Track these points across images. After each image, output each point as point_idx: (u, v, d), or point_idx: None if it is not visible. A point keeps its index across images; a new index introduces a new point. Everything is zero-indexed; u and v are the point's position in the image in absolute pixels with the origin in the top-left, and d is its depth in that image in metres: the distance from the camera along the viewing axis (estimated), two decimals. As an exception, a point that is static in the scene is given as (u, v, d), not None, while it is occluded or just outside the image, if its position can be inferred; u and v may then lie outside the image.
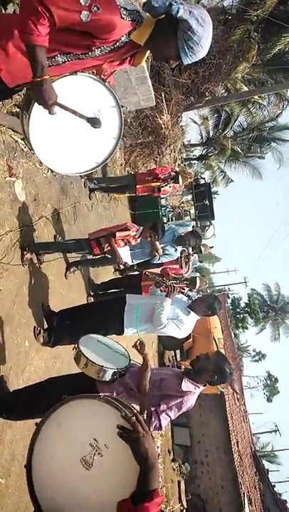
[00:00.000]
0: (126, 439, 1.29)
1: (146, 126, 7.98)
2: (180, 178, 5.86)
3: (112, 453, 1.34)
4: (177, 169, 6.16)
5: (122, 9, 1.66)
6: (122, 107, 2.27)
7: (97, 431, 1.39)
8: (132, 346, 2.85)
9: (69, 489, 1.37)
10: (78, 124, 1.92)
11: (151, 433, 2.54)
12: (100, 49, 1.79)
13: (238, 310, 33.89)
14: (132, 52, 1.89)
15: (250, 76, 13.16)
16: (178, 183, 5.86)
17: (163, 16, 1.70)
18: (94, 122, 1.92)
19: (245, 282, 34.57)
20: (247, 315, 33.40)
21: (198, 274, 5.96)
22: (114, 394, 2.59)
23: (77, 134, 1.97)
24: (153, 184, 5.76)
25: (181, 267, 5.34)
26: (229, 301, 30.71)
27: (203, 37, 1.69)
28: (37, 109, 1.83)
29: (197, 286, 4.88)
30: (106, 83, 1.99)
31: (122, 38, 1.76)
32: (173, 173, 5.80)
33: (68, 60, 1.80)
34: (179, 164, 9.75)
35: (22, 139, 3.69)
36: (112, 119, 2.11)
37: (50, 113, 1.77)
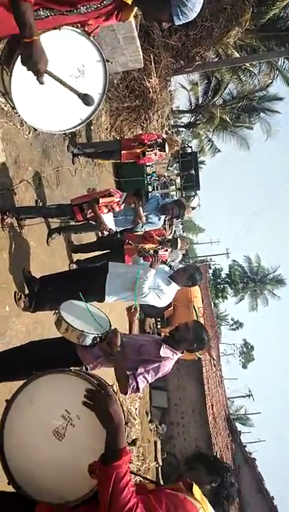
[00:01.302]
0: (90, 407, 1.33)
1: (134, 89, 7.70)
2: (166, 145, 5.75)
3: (84, 422, 1.38)
4: (164, 136, 6.01)
5: None
6: (108, 61, 2.19)
7: (68, 403, 1.42)
8: (126, 308, 2.93)
9: (42, 460, 1.42)
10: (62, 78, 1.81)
11: (129, 394, 2.64)
12: (85, 7, 1.66)
13: (218, 280, 34.47)
14: (119, 9, 1.77)
15: (243, 42, 12.73)
16: (164, 151, 5.75)
17: None
18: (86, 99, 1.79)
19: (227, 254, 35.02)
20: (227, 285, 34.06)
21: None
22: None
23: (61, 90, 1.85)
24: (138, 150, 5.63)
25: (165, 230, 5.38)
26: (211, 271, 31.16)
27: (197, 1, 1.60)
28: (20, 67, 1.66)
29: (178, 247, 4.93)
30: (91, 37, 1.89)
31: None
32: (160, 140, 5.67)
33: (51, 15, 1.69)
34: (166, 131, 9.52)
35: (2, 95, 3.52)
36: (96, 74, 2.04)
37: (38, 81, 1.60)
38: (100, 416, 1.32)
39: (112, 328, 2.69)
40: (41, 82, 1.61)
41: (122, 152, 5.67)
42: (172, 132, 7.90)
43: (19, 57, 1.61)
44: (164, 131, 9.28)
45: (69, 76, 1.94)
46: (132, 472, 1.80)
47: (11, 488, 1.50)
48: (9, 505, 1.53)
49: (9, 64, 1.85)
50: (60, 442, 1.41)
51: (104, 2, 1.67)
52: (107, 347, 2.67)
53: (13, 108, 2.04)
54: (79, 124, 2.19)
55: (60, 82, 1.72)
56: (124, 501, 1.23)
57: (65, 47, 1.85)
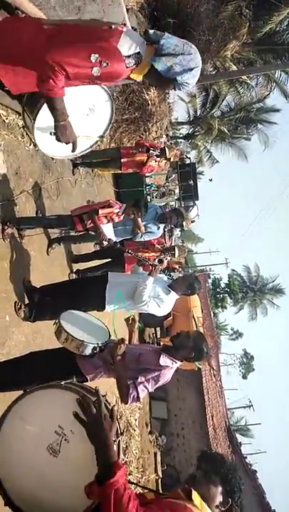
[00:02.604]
0: (80, 422, 1.30)
1: (133, 101, 7.81)
2: (167, 150, 5.81)
3: (79, 437, 1.35)
4: (164, 141, 6.11)
5: (126, 58, 1.87)
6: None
7: (61, 418, 1.39)
8: (124, 319, 2.94)
9: (38, 478, 1.40)
10: (74, 117, 2.20)
11: (130, 404, 2.63)
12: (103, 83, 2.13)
13: (218, 290, 34.44)
14: None
15: (240, 55, 12.96)
16: (165, 155, 5.81)
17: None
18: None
19: (226, 263, 35.05)
20: (226, 295, 34.01)
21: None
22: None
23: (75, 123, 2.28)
24: (138, 158, 5.68)
25: (165, 241, 5.42)
26: (210, 281, 31.15)
27: (195, 80, 2.03)
28: (42, 117, 2.27)
29: (176, 255, 4.96)
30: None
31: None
32: (159, 148, 5.75)
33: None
34: (164, 142, 9.64)
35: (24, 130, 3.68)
36: (104, 110, 2.61)
37: (74, 150, 2.15)
38: (88, 432, 1.29)
39: (111, 338, 2.71)
40: (75, 151, 2.19)
41: (123, 161, 5.72)
42: (171, 143, 7.98)
43: (42, 107, 2.21)
44: (162, 140, 9.39)
45: (82, 114, 2.50)
46: (130, 482, 1.79)
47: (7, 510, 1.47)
48: None
49: (30, 107, 2.38)
50: (55, 459, 1.38)
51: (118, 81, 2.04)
52: (106, 357, 2.68)
53: (35, 145, 2.71)
54: (88, 148, 2.76)
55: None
56: None
57: (79, 93, 2.20)
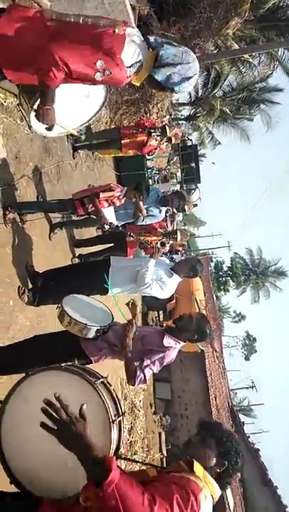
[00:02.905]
0: (49, 432, 1.24)
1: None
2: (167, 128, 5.73)
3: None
4: (164, 121, 6.00)
5: (128, 68, 1.94)
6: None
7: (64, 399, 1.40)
8: (126, 304, 2.97)
9: (41, 458, 1.43)
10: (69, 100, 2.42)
11: (137, 385, 2.67)
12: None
13: (220, 273, 34.50)
14: None
15: (242, 33, 12.62)
16: (165, 134, 5.72)
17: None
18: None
19: (229, 246, 34.97)
20: (229, 278, 34.10)
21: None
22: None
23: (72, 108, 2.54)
24: (139, 138, 5.60)
25: (167, 225, 5.40)
26: (212, 264, 31.19)
27: (192, 87, 2.17)
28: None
29: (179, 239, 4.94)
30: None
31: None
32: (160, 126, 5.66)
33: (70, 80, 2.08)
34: (166, 122, 9.50)
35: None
36: (98, 96, 2.77)
37: (48, 130, 2.23)
38: (60, 441, 1.22)
39: (114, 320, 2.73)
40: (49, 129, 2.20)
41: (123, 142, 5.62)
42: (172, 125, 7.82)
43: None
44: (165, 119, 9.23)
45: (78, 101, 2.60)
46: (134, 460, 1.83)
47: (11, 489, 1.51)
48: (10, 505, 1.53)
49: (28, 93, 2.53)
50: (55, 440, 1.39)
51: None
52: (110, 339, 2.71)
53: (30, 127, 2.93)
54: (79, 126, 2.97)
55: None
56: (141, 504, 1.17)
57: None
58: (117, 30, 1.92)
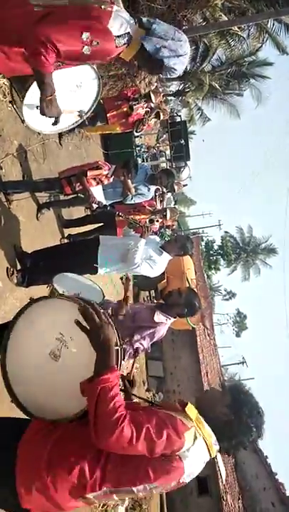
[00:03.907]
0: (81, 328, 1.35)
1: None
2: (152, 95, 5.60)
3: (77, 344, 1.44)
4: (150, 88, 5.83)
5: (116, 38, 1.90)
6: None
7: (62, 325, 1.47)
8: (120, 278, 2.98)
9: (41, 380, 1.50)
10: (61, 93, 2.20)
11: (127, 360, 2.70)
12: (92, 62, 2.18)
13: (211, 252, 34.71)
14: None
15: (231, 4, 12.25)
16: (151, 101, 5.59)
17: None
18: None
19: (219, 225, 35.03)
20: (220, 257, 34.35)
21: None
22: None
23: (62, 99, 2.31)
24: (125, 109, 5.46)
25: (156, 204, 5.35)
26: (203, 243, 31.30)
27: (182, 67, 2.09)
28: (31, 95, 2.33)
29: (168, 217, 4.91)
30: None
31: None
32: (144, 93, 5.51)
33: (62, 64, 2.04)
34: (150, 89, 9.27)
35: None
36: (91, 87, 2.67)
37: (55, 124, 2.18)
38: (90, 337, 1.34)
39: (105, 298, 2.73)
40: (56, 122, 2.15)
41: (108, 115, 5.48)
42: (158, 92, 7.57)
43: (31, 86, 2.31)
44: (147, 88, 9.00)
45: (69, 91, 2.52)
46: (131, 394, 1.84)
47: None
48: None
49: (18, 84, 2.48)
50: (56, 363, 1.47)
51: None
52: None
53: (23, 121, 2.67)
54: (79, 120, 2.82)
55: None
56: (111, 412, 1.24)
57: (68, 70, 2.22)
58: (103, 7, 1.89)
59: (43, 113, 2.02)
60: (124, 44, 1.98)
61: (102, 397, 1.25)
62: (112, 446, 1.26)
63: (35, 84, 2.08)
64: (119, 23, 1.91)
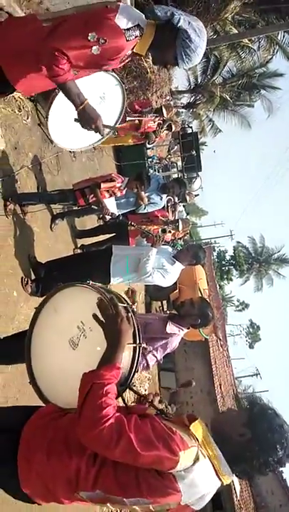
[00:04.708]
0: (97, 321, 1.36)
1: (131, 70, 7.57)
2: (164, 109, 5.65)
3: (94, 335, 1.45)
4: (162, 101, 5.89)
5: (126, 31, 1.81)
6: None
7: (84, 315, 1.48)
8: (124, 292, 2.96)
9: (58, 366, 1.54)
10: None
11: (140, 372, 2.68)
12: (108, 66, 2.02)
13: (223, 262, 34.50)
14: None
15: (241, 17, 12.44)
16: (162, 116, 5.65)
17: (163, 23, 1.87)
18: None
19: (231, 235, 34.84)
20: (232, 267, 34.09)
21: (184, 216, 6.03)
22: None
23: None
24: (136, 120, 5.52)
25: (169, 215, 5.38)
26: (215, 253, 31.14)
27: (200, 46, 1.88)
28: (56, 109, 2.30)
29: (180, 228, 4.92)
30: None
31: (127, 53, 1.95)
32: (155, 107, 5.57)
33: (78, 72, 1.99)
34: (163, 103, 9.36)
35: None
36: (115, 95, 2.61)
37: (100, 133, 2.04)
38: (104, 332, 1.34)
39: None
40: (102, 133, 2.05)
41: (118, 126, 5.54)
42: (170, 106, 7.64)
43: (54, 100, 2.25)
44: (160, 101, 9.10)
45: (95, 104, 2.43)
46: (139, 394, 1.76)
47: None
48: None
49: (42, 102, 2.59)
50: (73, 351, 1.50)
51: (122, 59, 1.99)
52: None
53: (51, 141, 2.80)
54: (102, 138, 2.68)
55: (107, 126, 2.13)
56: (96, 408, 1.20)
57: (87, 83, 2.14)
58: (109, 6, 1.87)
59: (84, 126, 1.97)
60: (136, 37, 1.89)
61: (93, 391, 1.23)
62: (91, 443, 1.22)
63: (56, 100, 2.10)
64: (127, 16, 1.85)
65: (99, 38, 1.78)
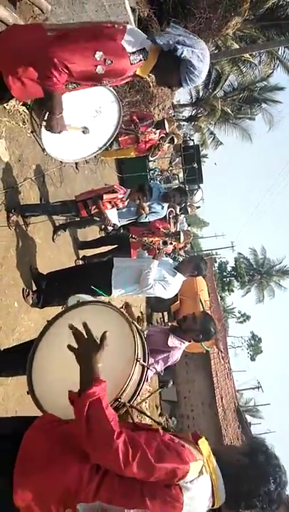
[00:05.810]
0: (71, 350, 1.35)
1: (134, 84, 7.68)
2: (166, 123, 5.70)
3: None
4: (164, 114, 5.98)
5: (131, 54, 1.85)
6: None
7: (96, 332, 1.48)
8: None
9: (61, 381, 1.55)
10: (82, 120, 2.35)
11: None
12: (108, 81, 2.04)
13: (224, 274, 34.42)
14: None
15: (242, 33, 12.64)
16: (164, 129, 5.70)
17: (166, 51, 1.90)
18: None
19: (232, 247, 34.88)
20: (233, 278, 33.99)
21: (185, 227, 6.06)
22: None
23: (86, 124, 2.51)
24: (132, 134, 5.58)
25: (170, 226, 5.40)
26: (216, 265, 31.11)
27: (203, 70, 1.94)
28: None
29: (182, 240, 4.93)
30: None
31: (129, 74, 1.99)
32: (156, 120, 5.64)
33: (78, 86, 2.03)
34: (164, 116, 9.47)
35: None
36: (111, 112, 2.63)
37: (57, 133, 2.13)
38: (76, 356, 1.32)
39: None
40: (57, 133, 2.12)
41: (120, 139, 5.59)
42: (172, 120, 7.73)
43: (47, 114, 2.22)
44: (162, 114, 9.19)
45: (91, 117, 2.54)
46: (144, 413, 1.79)
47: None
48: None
49: (37, 110, 2.64)
50: (76, 366, 1.47)
51: (124, 80, 2.04)
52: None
53: (43, 150, 2.72)
54: (97, 151, 2.86)
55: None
56: (105, 426, 1.19)
57: (85, 95, 2.23)
58: (116, 26, 1.89)
59: (48, 129, 2.07)
60: (140, 60, 1.91)
61: (92, 411, 1.21)
62: (108, 462, 1.21)
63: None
64: (134, 39, 1.87)
65: (106, 59, 1.80)
